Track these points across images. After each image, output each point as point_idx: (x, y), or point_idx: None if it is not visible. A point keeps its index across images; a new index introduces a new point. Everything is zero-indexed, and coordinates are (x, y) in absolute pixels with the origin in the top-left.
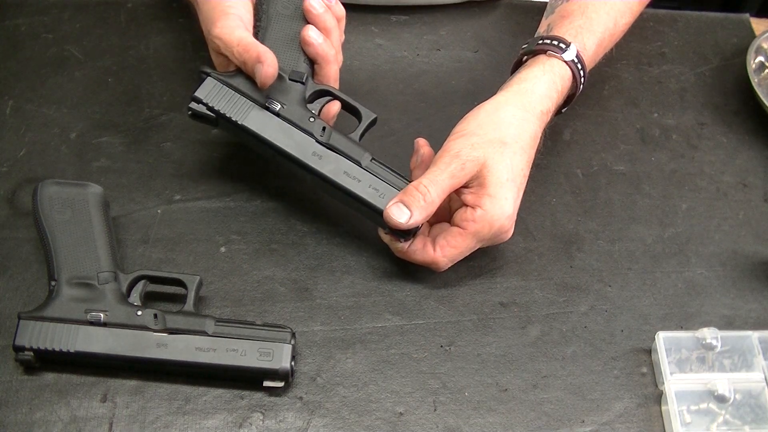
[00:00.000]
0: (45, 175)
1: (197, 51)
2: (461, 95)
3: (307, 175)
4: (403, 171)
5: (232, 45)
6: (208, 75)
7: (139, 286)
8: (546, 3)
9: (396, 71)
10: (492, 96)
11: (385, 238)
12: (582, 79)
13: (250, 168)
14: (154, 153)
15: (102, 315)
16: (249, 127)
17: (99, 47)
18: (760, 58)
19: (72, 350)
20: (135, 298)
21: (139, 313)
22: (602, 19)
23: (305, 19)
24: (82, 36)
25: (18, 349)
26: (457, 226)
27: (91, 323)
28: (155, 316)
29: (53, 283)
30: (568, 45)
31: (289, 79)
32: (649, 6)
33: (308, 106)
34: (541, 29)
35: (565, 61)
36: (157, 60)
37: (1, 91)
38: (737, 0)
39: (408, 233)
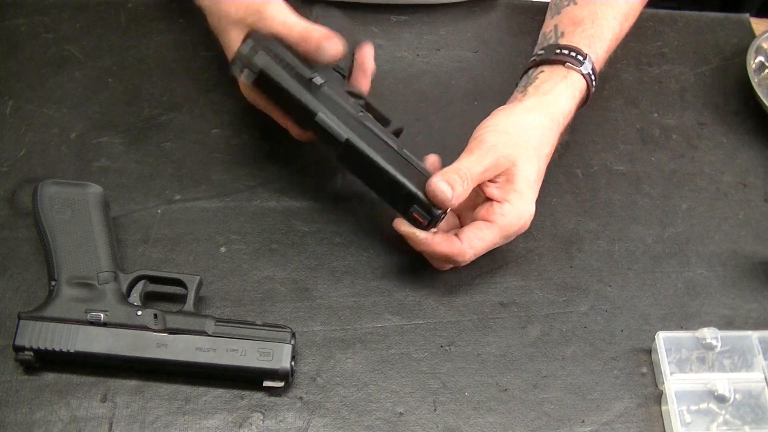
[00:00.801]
0: (45, 175)
1: (197, 51)
2: (461, 95)
3: (335, 145)
4: None
5: (291, 28)
6: (252, 34)
7: (139, 286)
8: (546, 3)
9: (396, 71)
10: (497, 95)
11: (405, 229)
12: (592, 90)
13: (250, 168)
14: (154, 153)
15: (102, 315)
16: (289, 89)
17: (99, 47)
18: (760, 58)
19: (72, 350)
20: (135, 298)
21: (139, 313)
22: (610, 24)
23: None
24: (82, 36)
25: (18, 349)
26: (484, 220)
27: (91, 323)
28: (155, 316)
29: (53, 283)
30: (585, 57)
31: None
32: (649, 6)
33: (349, 93)
34: (547, 29)
35: (583, 74)
36: (157, 60)
37: (1, 91)
38: (737, 0)
39: (432, 223)
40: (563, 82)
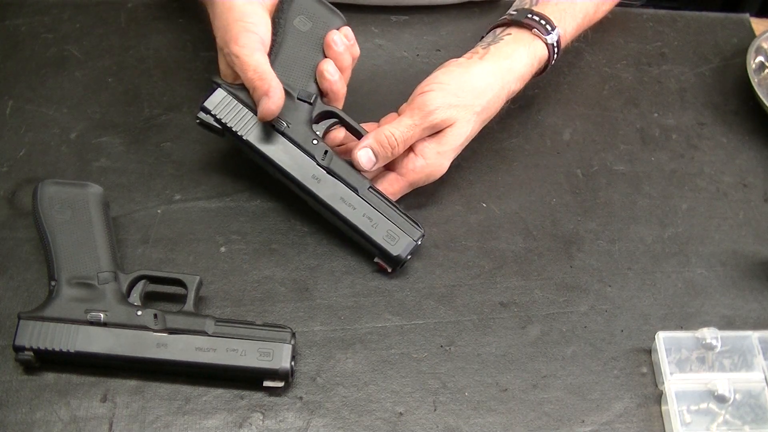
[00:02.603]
0: (45, 175)
1: (197, 51)
2: None
3: (304, 195)
4: None
5: (247, 68)
6: (219, 86)
7: (139, 286)
8: None
9: (396, 72)
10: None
11: None
12: (552, 62)
13: (250, 168)
14: (154, 153)
15: (102, 315)
16: (252, 142)
17: (99, 47)
18: (760, 58)
19: (72, 350)
20: (135, 298)
21: (139, 313)
22: (585, 4)
23: (322, 48)
24: (82, 36)
25: (18, 349)
26: (396, 172)
27: (91, 323)
28: (155, 316)
29: (53, 283)
30: (553, 28)
31: (298, 98)
32: (649, 6)
33: (313, 126)
34: None
35: (547, 44)
36: (157, 60)
37: (1, 91)
38: (737, 0)
39: (397, 263)
40: (524, 49)
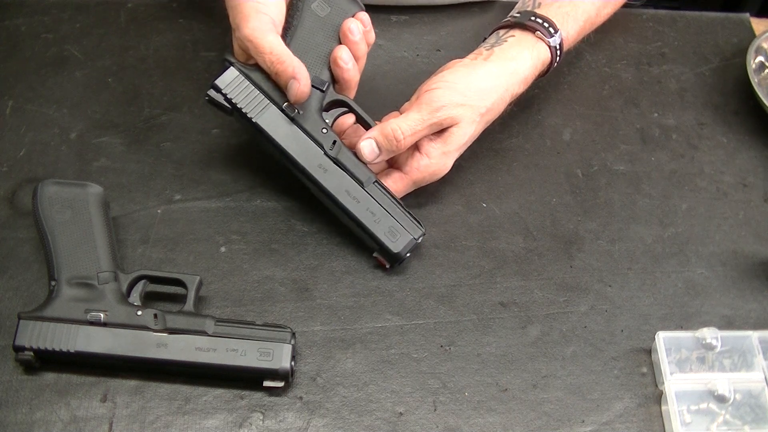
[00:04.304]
0: (45, 175)
1: (197, 51)
2: None
3: (309, 184)
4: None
5: (263, 51)
6: (232, 64)
7: (139, 286)
8: None
9: (396, 71)
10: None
11: None
12: (554, 64)
13: (250, 168)
14: (154, 153)
15: (102, 315)
16: (261, 125)
17: (99, 47)
18: (760, 58)
19: (72, 350)
20: (135, 298)
21: (139, 313)
22: (587, 7)
23: (338, 34)
24: (82, 36)
25: (18, 349)
26: (400, 170)
27: (91, 323)
28: (155, 316)
29: (53, 283)
30: (556, 31)
31: (311, 85)
32: (649, 6)
33: (323, 114)
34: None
35: (550, 46)
36: (157, 60)
37: (1, 91)
38: (737, 0)
39: (396, 260)
40: (528, 52)
